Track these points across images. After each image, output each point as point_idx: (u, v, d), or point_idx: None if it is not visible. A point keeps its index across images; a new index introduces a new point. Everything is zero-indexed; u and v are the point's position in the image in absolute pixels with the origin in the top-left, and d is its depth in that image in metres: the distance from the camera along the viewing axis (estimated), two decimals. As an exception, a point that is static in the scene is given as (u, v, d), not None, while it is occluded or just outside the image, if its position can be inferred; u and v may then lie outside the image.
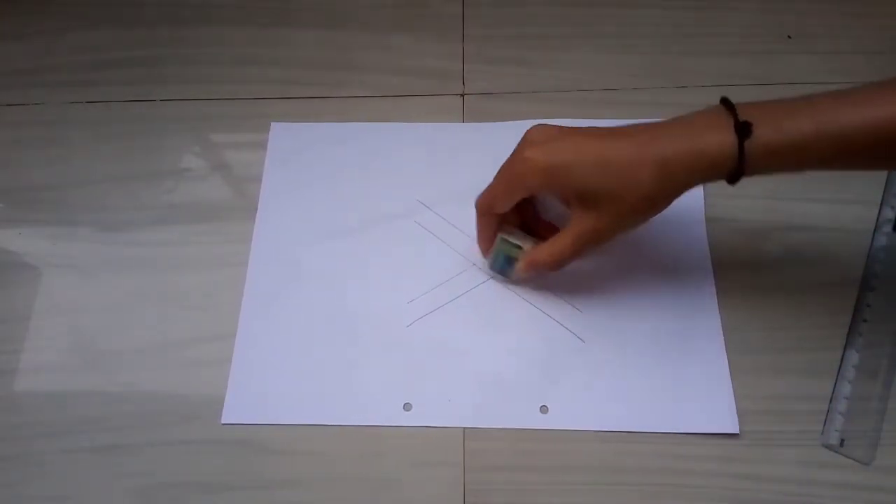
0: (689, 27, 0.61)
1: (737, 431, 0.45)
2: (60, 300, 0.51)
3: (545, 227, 0.48)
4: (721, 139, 0.39)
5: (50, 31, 0.63)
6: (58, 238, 0.54)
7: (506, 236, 0.47)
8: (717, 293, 0.49)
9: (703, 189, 0.53)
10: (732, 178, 0.40)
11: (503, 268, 0.48)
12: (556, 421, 0.46)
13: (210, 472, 0.45)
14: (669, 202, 0.41)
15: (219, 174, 0.56)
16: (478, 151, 0.55)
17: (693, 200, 0.52)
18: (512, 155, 0.44)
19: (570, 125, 0.43)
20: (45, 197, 0.55)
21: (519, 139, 0.43)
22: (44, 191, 0.56)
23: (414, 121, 0.58)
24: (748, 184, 0.52)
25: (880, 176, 0.53)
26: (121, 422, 0.47)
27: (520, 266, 0.47)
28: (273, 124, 0.57)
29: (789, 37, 0.60)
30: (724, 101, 0.40)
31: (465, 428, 0.46)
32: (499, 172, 0.44)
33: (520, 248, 0.46)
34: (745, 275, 0.50)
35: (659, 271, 0.50)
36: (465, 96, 0.59)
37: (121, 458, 0.46)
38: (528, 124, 0.53)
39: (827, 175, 0.52)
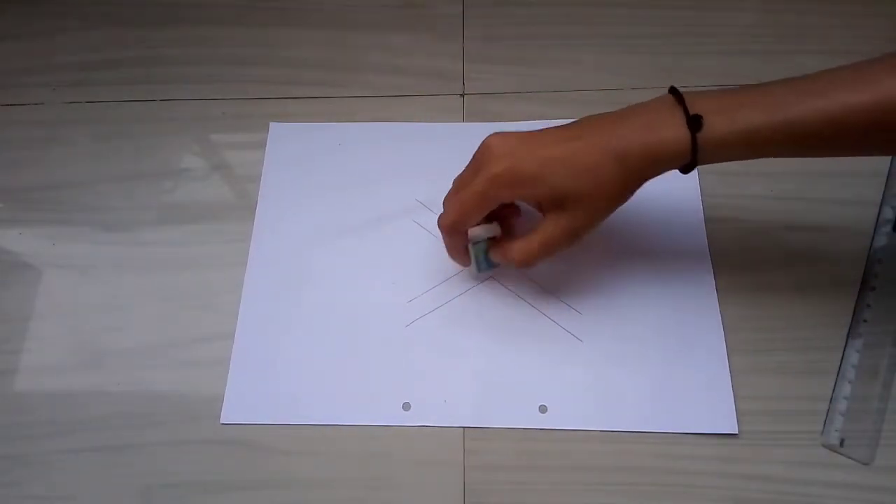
0: (689, 27, 0.61)
1: (735, 432, 0.45)
2: (60, 300, 0.51)
3: (510, 209, 0.47)
4: (674, 133, 0.40)
5: (50, 31, 0.63)
6: (58, 238, 0.54)
7: (475, 240, 0.46)
8: (717, 293, 0.49)
9: (703, 189, 0.53)
10: (686, 169, 0.41)
11: (489, 266, 0.48)
12: (555, 421, 0.46)
13: (209, 472, 0.45)
14: (633, 193, 0.43)
15: (218, 174, 0.56)
16: (478, 151, 0.55)
17: (693, 200, 0.52)
18: (473, 169, 0.43)
19: (534, 127, 0.43)
20: (45, 197, 0.55)
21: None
22: (44, 191, 0.56)
23: (414, 121, 0.58)
24: (748, 184, 0.53)
25: (880, 176, 0.53)
26: (120, 422, 0.47)
27: (494, 254, 0.46)
28: (272, 124, 0.57)
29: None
30: (673, 92, 0.41)
31: (464, 427, 0.46)
32: (462, 189, 0.44)
33: (491, 239, 0.46)
34: (745, 275, 0.50)
35: (658, 271, 0.50)
36: (465, 96, 0.59)
37: (120, 458, 0.46)
38: (528, 124, 0.53)
39: (827, 175, 0.53)
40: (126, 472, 0.45)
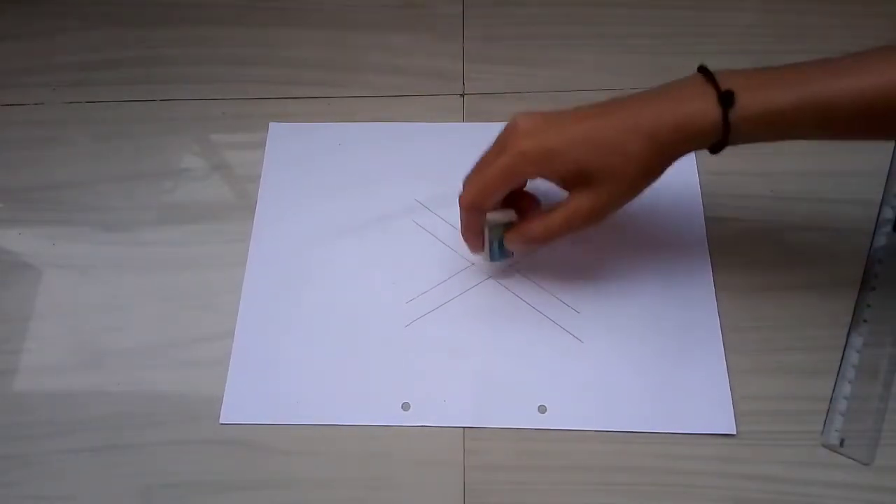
0: (689, 27, 0.61)
1: (734, 432, 0.45)
2: (60, 300, 0.51)
3: (527, 199, 0.47)
4: (705, 109, 0.39)
5: (50, 31, 0.63)
6: (58, 238, 0.54)
7: (492, 223, 0.46)
8: (716, 293, 0.49)
9: (703, 189, 0.53)
10: (716, 148, 0.40)
11: (502, 255, 0.47)
12: (555, 421, 0.46)
13: (209, 471, 0.45)
14: (661, 172, 0.42)
15: (218, 174, 0.56)
16: (478, 151, 0.54)
17: (693, 200, 0.52)
18: (498, 148, 0.43)
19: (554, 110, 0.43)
20: (45, 197, 0.55)
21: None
22: (44, 191, 0.56)
23: (414, 121, 0.58)
24: (748, 183, 0.53)
25: (880, 176, 0.53)
26: (120, 422, 0.47)
27: (511, 237, 0.45)
28: (271, 124, 0.57)
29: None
30: (703, 70, 0.41)
31: (464, 427, 0.46)
32: (486, 166, 0.43)
33: (508, 224, 0.46)
34: (745, 274, 0.50)
35: (658, 271, 0.50)
36: (465, 96, 0.59)
37: (120, 457, 0.46)
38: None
39: (827, 175, 0.53)
40: (126, 472, 0.45)
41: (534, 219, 0.44)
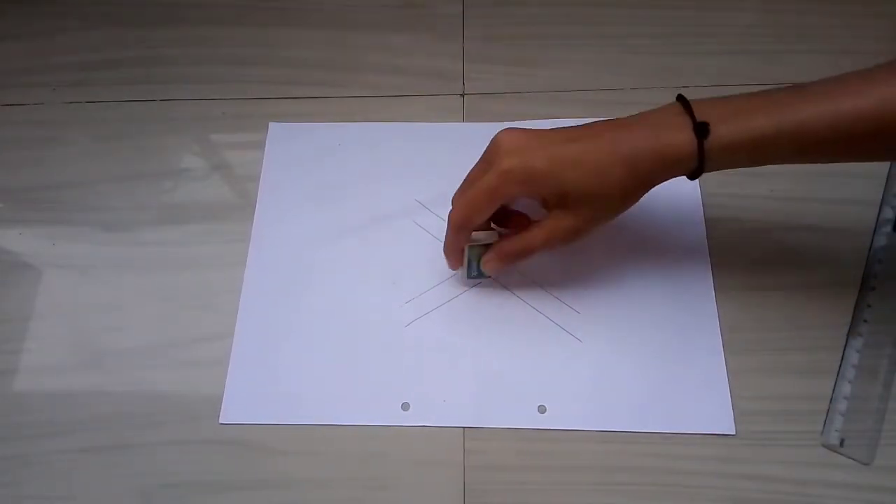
0: (689, 27, 0.61)
1: (733, 432, 0.45)
2: (60, 300, 0.51)
3: (516, 218, 0.47)
4: (682, 139, 0.40)
5: (50, 31, 0.63)
6: (58, 238, 0.54)
7: (473, 242, 0.46)
8: (715, 293, 0.49)
9: (703, 189, 0.53)
10: (693, 175, 0.42)
11: (479, 274, 0.48)
12: (554, 421, 0.46)
13: (209, 471, 0.45)
14: (639, 198, 0.43)
15: (218, 174, 0.56)
16: (478, 151, 0.54)
17: (693, 201, 0.52)
18: (483, 166, 0.44)
19: (539, 126, 0.43)
20: (45, 197, 0.55)
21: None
22: (44, 191, 0.56)
23: (414, 121, 0.58)
24: (748, 183, 0.53)
25: (880, 176, 0.53)
26: (120, 422, 0.47)
27: (488, 257, 0.46)
28: (271, 124, 0.57)
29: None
30: (681, 100, 0.42)
31: (464, 427, 0.46)
32: (470, 186, 0.44)
33: (487, 245, 0.46)
34: (745, 275, 0.50)
35: (657, 271, 0.50)
36: (465, 96, 0.59)
37: (120, 458, 0.46)
38: (528, 124, 0.53)
39: (827, 175, 0.53)
40: (126, 472, 0.45)
41: (512, 237, 0.45)
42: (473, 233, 0.46)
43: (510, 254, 0.45)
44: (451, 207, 0.45)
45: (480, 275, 0.48)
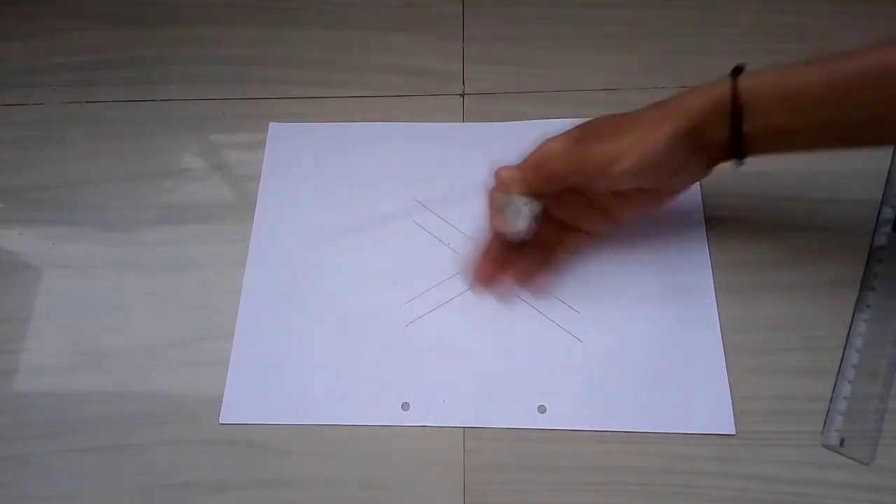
0: (689, 27, 0.61)
1: (733, 432, 0.45)
2: (60, 300, 0.51)
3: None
4: (717, 87, 0.41)
5: (50, 31, 0.63)
6: (58, 238, 0.54)
7: (523, 198, 0.44)
8: (715, 293, 0.49)
9: (703, 189, 0.53)
10: (735, 142, 0.41)
11: (514, 219, 0.45)
12: (554, 421, 0.46)
13: (209, 472, 0.45)
14: (682, 159, 0.42)
15: (218, 174, 0.56)
16: (478, 151, 0.55)
17: (693, 201, 0.52)
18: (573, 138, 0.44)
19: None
20: (45, 197, 0.56)
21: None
22: (44, 191, 0.56)
23: (414, 121, 0.58)
24: (748, 183, 0.53)
25: (880, 176, 0.53)
26: (120, 422, 0.47)
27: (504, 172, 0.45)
28: (271, 124, 0.57)
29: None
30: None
31: (463, 428, 0.46)
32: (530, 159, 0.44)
33: (535, 208, 0.45)
34: (745, 275, 0.50)
35: (657, 271, 0.50)
36: (465, 96, 0.59)
37: (120, 458, 0.46)
38: (527, 124, 0.53)
39: (827, 175, 0.53)
40: (126, 472, 0.45)
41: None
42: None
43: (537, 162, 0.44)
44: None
45: (514, 223, 0.45)
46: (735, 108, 0.40)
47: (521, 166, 0.44)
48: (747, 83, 0.40)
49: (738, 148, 0.42)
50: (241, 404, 0.47)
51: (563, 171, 0.43)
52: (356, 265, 0.51)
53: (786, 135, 0.41)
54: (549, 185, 0.44)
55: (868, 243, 0.51)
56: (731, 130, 0.41)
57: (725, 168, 0.43)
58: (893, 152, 0.54)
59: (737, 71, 0.41)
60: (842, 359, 0.47)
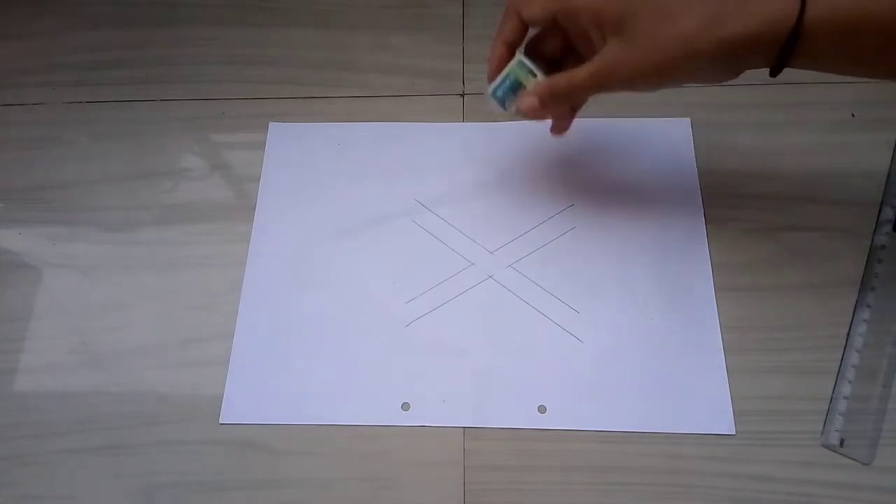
0: (689, 27, 0.61)
1: (733, 432, 0.45)
2: (60, 300, 0.51)
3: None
4: None
5: (50, 31, 0.63)
6: (58, 238, 0.54)
7: (524, 59, 0.42)
8: (715, 293, 0.49)
9: (703, 189, 0.53)
10: (787, 46, 0.36)
11: (505, 95, 0.43)
12: (555, 421, 0.46)
13: (209, 472, 0.45)
14: (709, 62, 0.37)
15: (218, 174, 0.56)
16: (478, 151, 0.55)
17: (693, 200, 0.52)
18: None
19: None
20: (45, 197, 0.56)
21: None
22: (44, 191, 0.56)
23: (414, 121, 0.58)
24: (748, 183, 0.53)
25: (880, 176, 0.53)
26: (120, 422, 0.47)
27: (529, 92, 0.42)
28: (271, 124, 0.57)
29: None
30: None
31: (464, 428, 0.46)
32: None
33: (534, 76, 0.42)
34: (745, 275, 0.50)
35: (657, 271, 0.50)
36: (465, 96, 0.59)
37: (120, 458, 0.46)
38: (527, 124, 0.53)
39: (827, 175, 0.52)
40: (126, 472, 0.45)
41: (561, 73, 0.41)
42: (527, 57, 0.42)
43: (553, 90, 0.41)
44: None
45: (502, 101, 0.44)
46: (789, 45, 0.36)
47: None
48: (814, 15, 0.35)
49: (777, 69, 0.38)
50: (241, 404, 0.47)
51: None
52: (356, 265, 0.51)
53: (834, 66, 0.38)
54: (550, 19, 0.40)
55: (868, 243, 0.51)
56: (777, 62, 0.37)
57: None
58: (893, 152, 0.54)
59: None
60: (842, 359, 0.47)
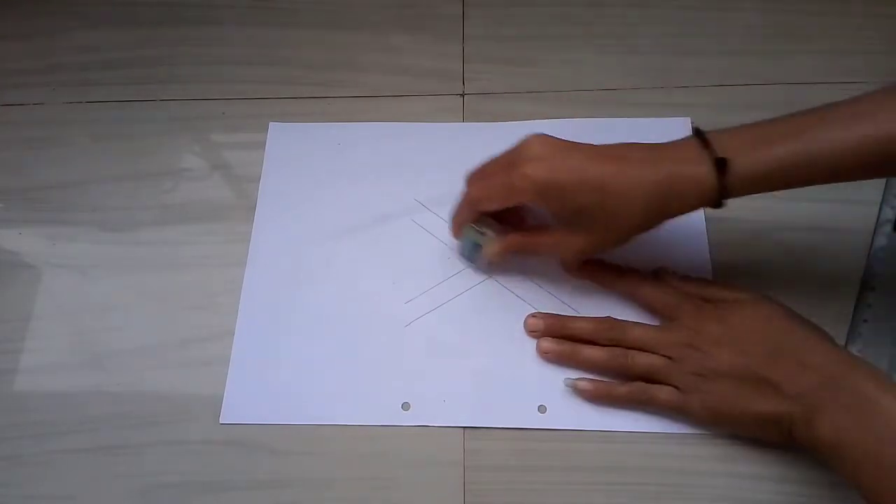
0: (689, 27, 0.61)
1: (732, 433, 0.45)
2: (60, 300, 0.51)
3: (521, 215, 0.49)
4: (703, 173, 0.41)
5: (50, 31, 0.63)
6: (58, 238, 0.54)
7: (473, 225, 0.47)
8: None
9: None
10: (716, 206, 0.42)
11: (471, 254, 0.49)
12: (555, 421, 0.46)
13: (209, 472, 0.45)
14: (651, 227, 0.44)
15: (218, 174, 0.56)
16: (478, 151, 0.54)
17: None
18: (508, 162, 0.43)
19: (537, 127, 0.44)
20: (45, 197, 0.56)
21: (518, 139, 0.43)
22: (44, 191, 0.56)
23: (414, 121, 0.58)
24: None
25: (880, 176, 0.53)
26: (120, 422, 0.47)
27: (491, 250, 0.47)
28: (271, 124, 0.57)
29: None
30: (697, 133, 0.42)
31: (464, 428, 0.46)
32: (491, 177, 0.44)
33: (483, 234, 0.47)
34: (745, 275, 0.50)
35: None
36: (465, 96, 0.59)
37: (120, 458, 0.46)
38: (527, 124, 0.53)
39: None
40: (126, 472, 0.45)
41: (522, 232, 0.47)
42: (481, 218, 0.47)
43: (514, 245, 0.46)
44: (451, 205, 0.45)
45: (470, 258, 0.50)
46: (719, 199, 0.41)
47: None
48: (733, 177, 0.40)
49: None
50: (241, 404, 0.47)
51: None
52: (356, 265, 0.51)
53: (769, 191, 0.42)
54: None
55: (868, 243, 0.51)
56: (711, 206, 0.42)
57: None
58: (893, 152, 0.54)
59: (721, 162, 0.40)
60: (842, 359, 0.47)
